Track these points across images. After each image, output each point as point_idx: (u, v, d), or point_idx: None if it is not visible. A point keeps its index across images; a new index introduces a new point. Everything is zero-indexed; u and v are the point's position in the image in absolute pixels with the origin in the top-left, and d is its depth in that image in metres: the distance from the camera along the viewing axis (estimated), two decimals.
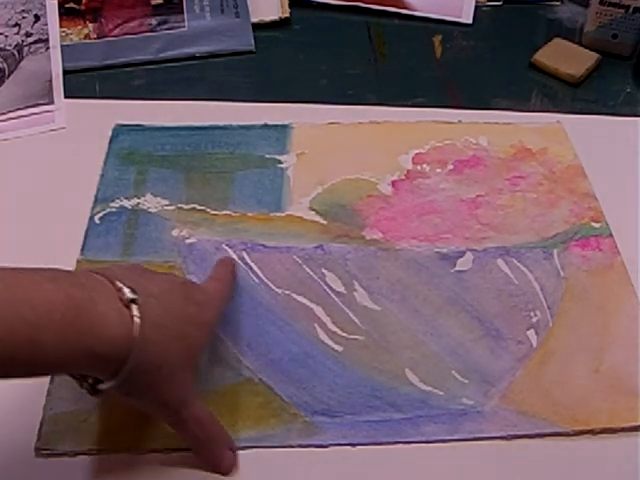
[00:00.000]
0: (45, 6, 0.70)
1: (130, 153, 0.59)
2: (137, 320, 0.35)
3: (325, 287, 0.50)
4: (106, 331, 0.34)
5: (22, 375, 0.33)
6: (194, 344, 0.39)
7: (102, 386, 0.36)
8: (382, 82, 0.68)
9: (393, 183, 0.57)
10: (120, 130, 0.61)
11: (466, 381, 0.45)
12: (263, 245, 0.52)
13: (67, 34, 0.69)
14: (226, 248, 0.52)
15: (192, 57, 0.70)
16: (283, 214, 0.55)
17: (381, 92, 0.66)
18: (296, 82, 0.67)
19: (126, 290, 0.35)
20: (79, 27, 0.70)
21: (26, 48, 0.68)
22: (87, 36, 0.70)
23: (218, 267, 0.48)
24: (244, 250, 0.52)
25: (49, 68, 0.66)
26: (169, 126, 0.61)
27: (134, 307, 0.35)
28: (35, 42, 0.68)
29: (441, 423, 0.43)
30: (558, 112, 0.64)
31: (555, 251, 0.52)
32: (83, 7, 0.71)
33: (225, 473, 0.41)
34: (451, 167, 0.58)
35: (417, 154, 0.59)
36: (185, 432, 0.40)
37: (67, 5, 0.71)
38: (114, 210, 0.54)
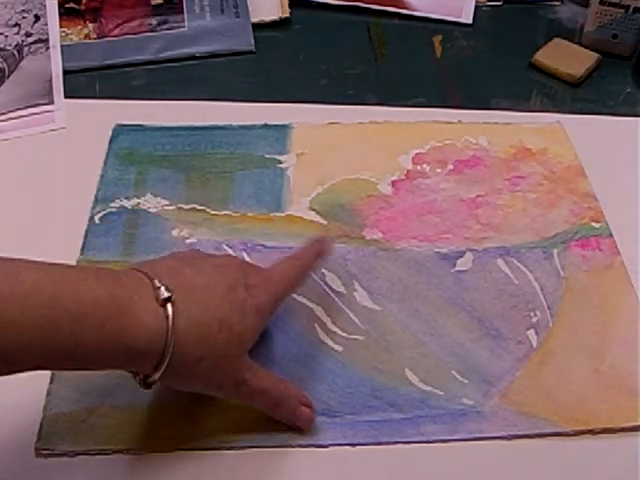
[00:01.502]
0: (45, 6, 0.70)
1: (130, 153, 0.59)
2: (170, 319, 0.37)
3: (325, 287, 0.50)
4: (142, 330, 0.36)
5: (66, 368, 0.36)
6: (243, 331, 0.40)
7: (151, 379, 0.38)
8: (382, 82, 0.68)
9: (393, 183, 0.57)
10: (120, 130, 0.61)
11: (466, 381, 0.45)
12: (263, 245, 0.52)
13: (67, 34, 0.69)
14: (226, 248, 0.52)
15: (192, 57, 0.70)
16: (283, 214, 0.54)
17: (381, 92, 0.66)
18: (296, 82, 0.67)
19: (162, 289, 0.37)
20: (79, 27, 0.70)
21: (26, 48, 0.68)
22: (87, 36, 0.70)
23: (306, 245, 0.47)
24: (244, 250, 0.52)
25: (49, 68, 0.66)
26: (169, 126, 0.61)
27: (169, 306, 0.37)
28: (35, 42, 0.68)
29: (441, 423, 0.43)
30: (558, 112, 0.64)
31: (555, 251, 0.52)
32: (83, 7, 0.71)
33: (304, 428, 0.42)
34: (451, 167, 0.58)
35: (417, 154, 0.59)
36: (252, 403, 0.42)
37: (67, 5, 0.71)
38: (114, 210, 0.54)
